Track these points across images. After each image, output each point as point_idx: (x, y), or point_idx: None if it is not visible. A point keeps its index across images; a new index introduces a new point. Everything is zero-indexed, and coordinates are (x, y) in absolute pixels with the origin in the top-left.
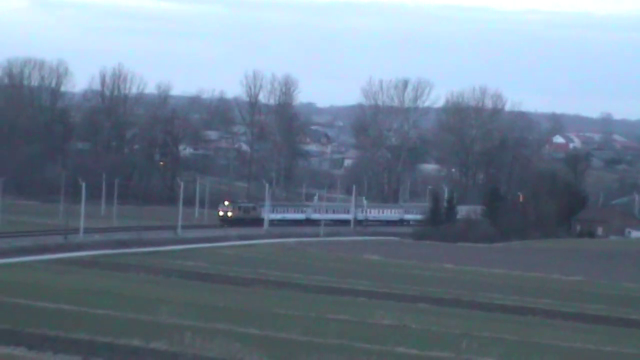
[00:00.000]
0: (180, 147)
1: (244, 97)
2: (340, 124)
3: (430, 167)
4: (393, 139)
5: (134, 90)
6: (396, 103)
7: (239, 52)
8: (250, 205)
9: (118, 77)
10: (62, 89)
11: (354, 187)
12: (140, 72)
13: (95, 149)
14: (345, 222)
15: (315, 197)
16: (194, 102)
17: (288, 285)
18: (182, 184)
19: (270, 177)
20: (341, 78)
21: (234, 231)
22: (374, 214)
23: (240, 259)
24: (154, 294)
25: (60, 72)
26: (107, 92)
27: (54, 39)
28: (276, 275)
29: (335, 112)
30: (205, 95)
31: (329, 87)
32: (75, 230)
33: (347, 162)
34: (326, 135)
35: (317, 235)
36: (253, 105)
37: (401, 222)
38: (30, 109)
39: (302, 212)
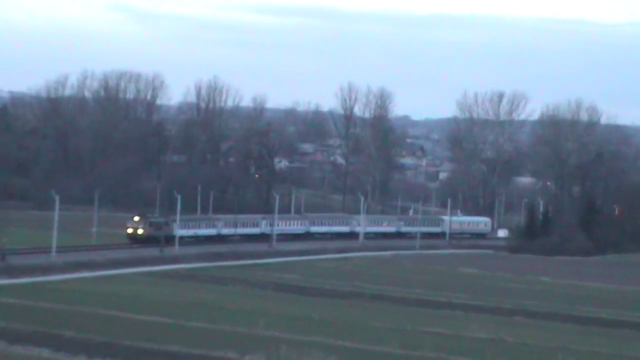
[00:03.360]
0: (276, 160)
1: (339, 110)
2: (436, 136)
3: (525, 180)
4: (488, 152)
5: (229, 103)
6: (491, 116)
7: (335, 65)
8: (162, 220)
9: (214, 89)
10: (158, 101)
11: (448, 200)
12: (236, 84)
13: (190, 161)
14: (255, 237)
15: (410, 211)
16: (290, 114)
17: (384, 298)
18: (277, 197)
19: (365, 190)
20: (436, 90)
21: (330, 244)
22: (282, 226)
23: (336, 272)
24: (249, 306)
25: (156, 85)
26: (203, 105)
27: (150, 51)
28: (372, 288)
29: (431, 125)
30: (300, 108)
31: (424, 100)
32: (171, 243)
33: (443, 175)
34: (421, 148)
35: (413, 248)
36: (348, 118)
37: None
38: (126, 121)
39: (213, 227)
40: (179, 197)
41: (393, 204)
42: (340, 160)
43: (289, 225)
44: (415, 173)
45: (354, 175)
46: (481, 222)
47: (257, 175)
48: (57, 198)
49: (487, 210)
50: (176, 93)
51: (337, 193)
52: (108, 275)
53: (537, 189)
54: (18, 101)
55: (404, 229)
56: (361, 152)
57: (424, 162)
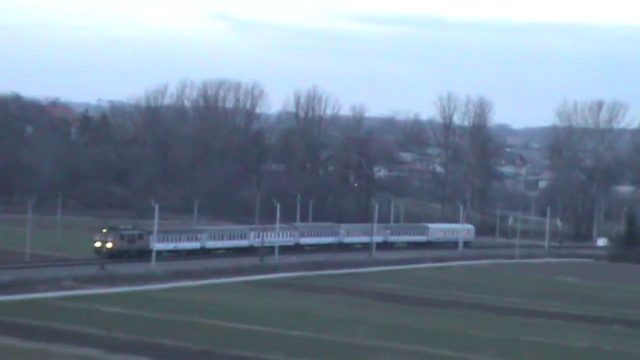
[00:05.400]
0: (375, 169)
1: (439, 119)
2: (535, 145)
3: (625, 189)
4: (587, 160)
5: (328, 112)
6: (591, 124)
7: (434, 73)
8: (136, 232)
9: (313, 98)
10: (257, 110)
11: (548, 209)
12: (335, 93)
13: (289, 170)
14: (244, 249)
15: (510, 219)
16: (389, 123)
17: (482, 307)
18: (376, 206)
19: (464, 198)
20: (535, 99)
21: (427, 253)
22: (269, 237)
23: (434, 281)
24: (349, 315)
25: (255, 94)
26: (302, 114)
27: (250, 60)
28: (470, 297)
29: (530, 134)
30: (399, 117)
31: (523, 108)
32: (271, 252)
33: (542, 184)
34: (521, 157)
35: (512, 257)
36: (447, 126)
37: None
38: (225, 130)
39: (196, 240)
40: (278, 205)
41: (492, 213)
42: (439, 169)
43: (277, 237)
44: (515, 182)
45: (453, 184)
46: (464, 230)
47: (356, 184)
48: (156, 207)
49: (586, 219)
50: (275, 102)
51: (436, 202)
52: (208, 285)
53: (636, 198)
54: (118, 110)
55: (390, 238)
56: (460, 160)
57: (523, 171)
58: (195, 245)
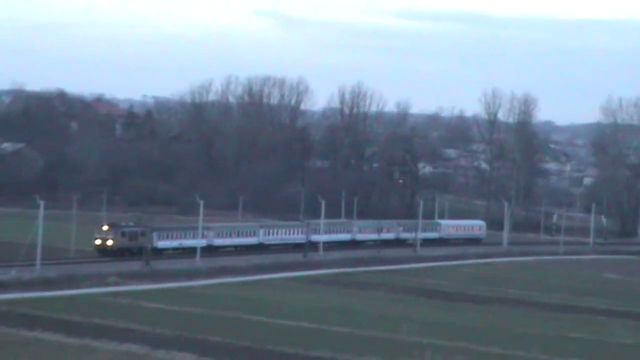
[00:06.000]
0: (420, 165)
1: (483, 115)
2: (580, 142)
3: None
4: (632, 157)
5: (373, 108)
6: (636, 121)
7: (478, 70)
8: (138, 230)
9: (357, 95)
10: (302, 107)
11: (592, 205)
12: (380, 89)
13: (334, 166)
14: (254, 247)
15: (555, 216)
16: (433, 120)
17: (527, 303)
18: (421, 202)
19: (509, 195)
20: (580, 96)
21: (472, 249)
22: (281, 235)
23: (479, 277)
24: (393, 312)
25: (300, 90)
26: (347, 110)
27: (295, 56)
28: (515, 293)
29: (575, 130)
30: (444, 114)
31: (568, 105)
32: (315, 248)
33: (587, 181)
34: (565, 154)
35: (557, 254)
36: (492, 123)
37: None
38: (270, 127)
39: (202, 237)
40: (322, 202)
41: (537, 210)
42: (484, 165)
43: (289, 234)
44: (559, 178)
45: (497, 181)
46: (475, 226)
47: (400, 181)
48: (201, 203)
49: (631, 216)
50: (320, 98)
51: (480, 198)
52: (252, 281)
53: None
54: (162, 107)
55: (402, 235)
56: (505, 157)
57: (568, 168)
58: (201, 242)
